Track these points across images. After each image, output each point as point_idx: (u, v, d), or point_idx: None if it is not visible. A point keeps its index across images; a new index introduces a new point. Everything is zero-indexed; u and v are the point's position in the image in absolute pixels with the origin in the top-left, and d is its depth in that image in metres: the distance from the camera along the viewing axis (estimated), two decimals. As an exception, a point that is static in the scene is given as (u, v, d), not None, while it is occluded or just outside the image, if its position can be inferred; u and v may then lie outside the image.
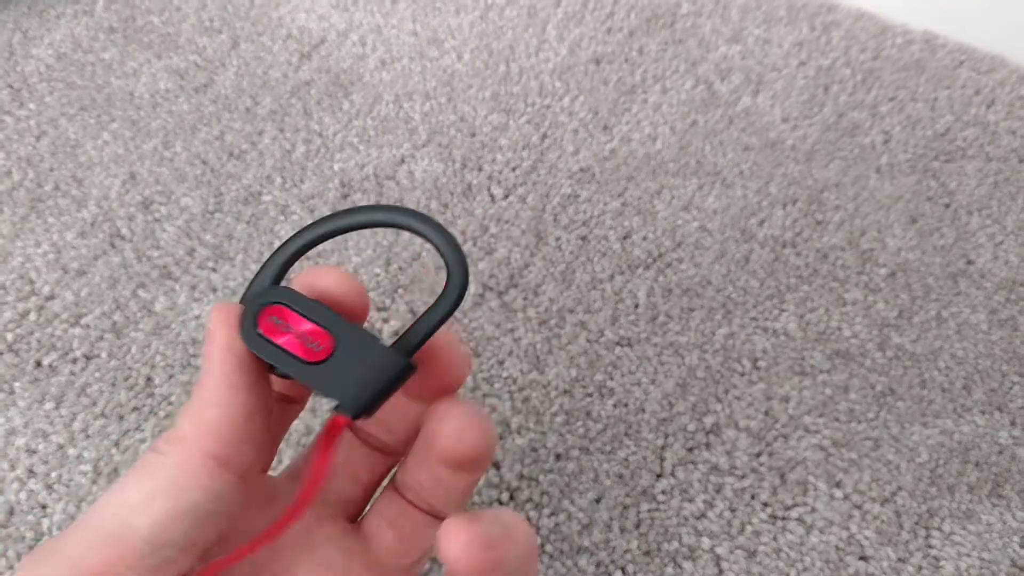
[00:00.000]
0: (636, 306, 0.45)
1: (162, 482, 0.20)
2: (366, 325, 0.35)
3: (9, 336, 0.41)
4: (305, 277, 0.22)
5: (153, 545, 0.19)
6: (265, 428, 0.21)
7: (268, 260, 0.22)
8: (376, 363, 0.21)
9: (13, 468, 0.37)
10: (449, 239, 0.21)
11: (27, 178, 0.48)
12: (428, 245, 0.46)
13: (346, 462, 0.26)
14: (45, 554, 0.19)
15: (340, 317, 0.21)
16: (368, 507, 0.27)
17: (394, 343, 0.21)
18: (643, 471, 0.39)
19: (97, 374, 0.40)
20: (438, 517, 0.25)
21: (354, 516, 0.26)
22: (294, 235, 0.22)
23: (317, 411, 0.39)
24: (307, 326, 0.21)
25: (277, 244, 0.45)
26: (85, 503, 0.36)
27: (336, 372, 0.20)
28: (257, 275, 0.22)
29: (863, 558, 0.37)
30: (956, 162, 0.54)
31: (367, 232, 0.46)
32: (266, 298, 0.21)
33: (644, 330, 0.44)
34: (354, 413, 0.20)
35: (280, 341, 0.20)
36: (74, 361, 0.40)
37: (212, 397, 0.20)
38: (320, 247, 0.45)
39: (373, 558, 0.25)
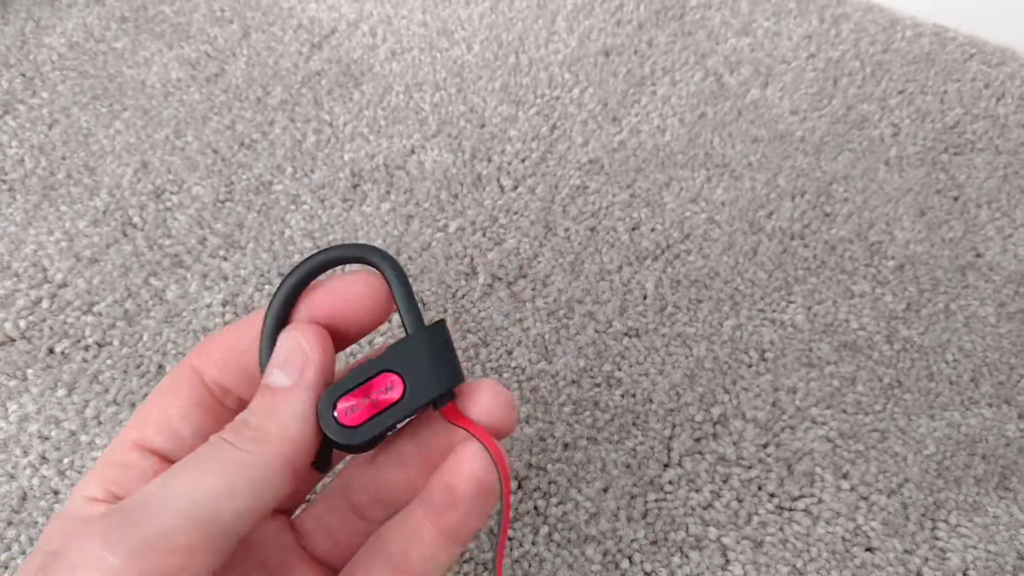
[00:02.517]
0: (644, 297, 0.45)
1: (246, 479, 0.21)
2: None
3: (22, 323, 0.41)
4: (325, 293, 0.25)
5: (231, 533, 0.20)
6: None
7: (264, 324, 0.25)
8: (430, 342, 0.24)
9: (26, 454, 0.37)
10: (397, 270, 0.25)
11: (39, 166, 0.48)
12: (437, 235, 0.46)
13: None
14: (124, 525, 0.20)
15: (382, 352, 0.24)
16: (307, 504, 0.29)
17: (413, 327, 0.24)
18: (650, 461, 0.39)
19: (109, 361, 0.40)
20: (377, 523, 0.27)
21: (289, 510, 0.29)
22: (279, 286, 0.25)
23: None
24: (373, 385, 0.23)
25: (287, 232, 0.46)
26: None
27: (417, 384, 0.23)
28: (264, 339, 0.25)
29: (869, 549, 0.37)
30: (965, 155, 0.53)
31: (377, 222, 0.46)
32: (331, 398, 0.23)
33: (652, 321, 0.44)
34: (455, 383, 0.24)
35: (368, 415, 0.23)
36: (86, 348, 0.41)
37: (302, 413, 0.23)
38: (331, 239, 0.46)
39: (307, 554, 0.27)
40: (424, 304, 0.43)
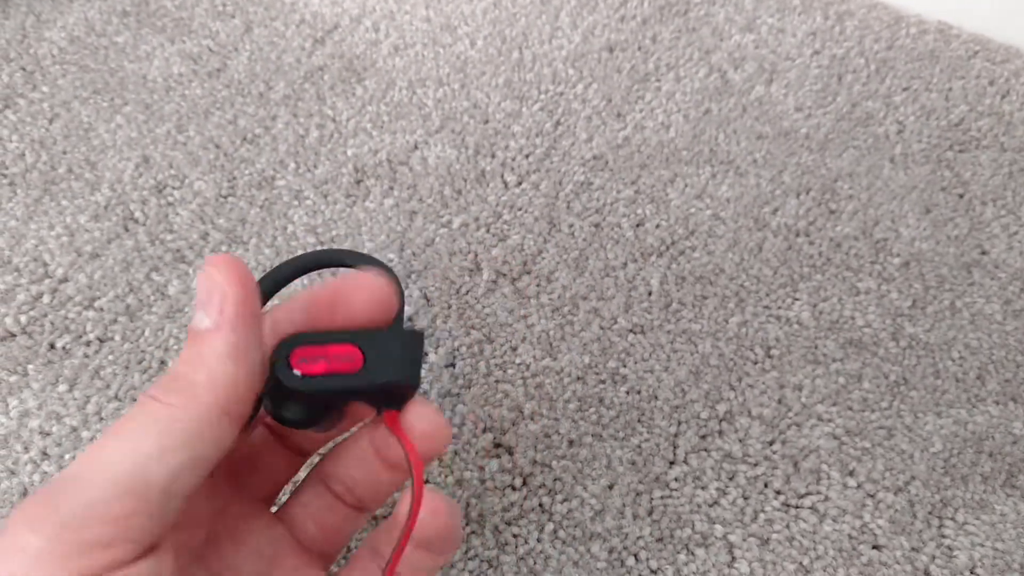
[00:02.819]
0: (649, 294, 0.44)
1: (179, 435, 0.20)
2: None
3: (23, 319, 0.41)
4: (341, 285, 0.24)
5: (168, 495, 0.19)
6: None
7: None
8: (402, 340, 0.23)
9: (27, 450, 0.37)
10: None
11: (40, 160, 0.48)
12: (441, 231, 0.46)
13: (266, 461, 0.27)
14: (59, 496, 0.19)
15: (354, 329, 0.24)
16: (288, 493, 0.28)
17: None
18: (656, 458, 0.39)
19: (111, 357, 0.40)
20: (364, 510, 0.27)
21: (272, 500, 0.28)
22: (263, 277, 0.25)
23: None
24: (334, 349, 0.23)
25: (290, 228, 0.45)
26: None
27: (376, 366, 0.23)
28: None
29: (876, 547, 0.37)
30: (970, 152, 0.53)
31: (380, 218, 0.46)
32: (290, 344, 0.22)
33: (657, 317, 0.44)
34: (412, 382, 0.23)
35: (320, 371, 0.22)
36: (88, 344, 0.41)
37: (228, 352, 0.21)
38: (334, 235, 0.45)
39: (298, 544, 0.26)
40: (428, 300, 0.43)
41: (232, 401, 0.21)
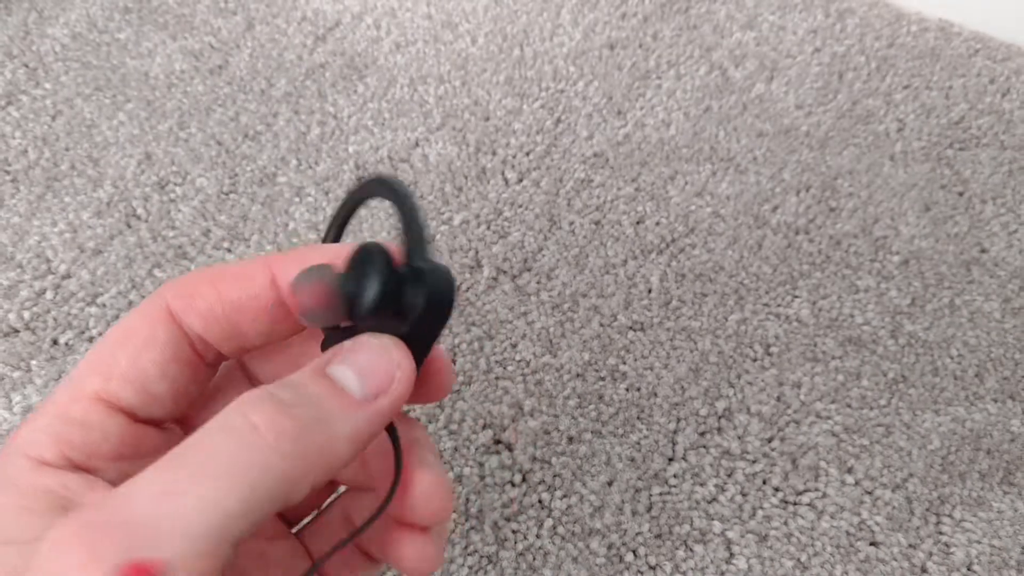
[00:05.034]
0: (649, 291, 0.45)
1: (269, 489, 0.17)
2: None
3: (26, 315, 0.41)
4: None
5: (236, 548, 0.18)
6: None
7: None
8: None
9: (31, 444, 0.37)
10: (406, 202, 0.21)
11: (43, 157, 0.48)
12: (442, 227, 0.46)
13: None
14: (129, 539, 0.16)
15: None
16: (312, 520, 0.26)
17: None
18: (655, 455, 0.39)
19: (113, 352, 0.40)
20: (374, 560, 0.25)
21: (295, 522, 0.26)
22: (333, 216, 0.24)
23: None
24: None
25: (292, 225, 0.46)
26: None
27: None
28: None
29: (874, 544, 0.37)
30: (970, 150, 0.53)
31: (381, 215, 0.46)
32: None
33: (657, 315, 0.44)
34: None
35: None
36: (90, 340, 0.41)
37: (357, 434, 0.19)
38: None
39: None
40: None
41: (331, 473, 0.19)
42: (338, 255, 0.22)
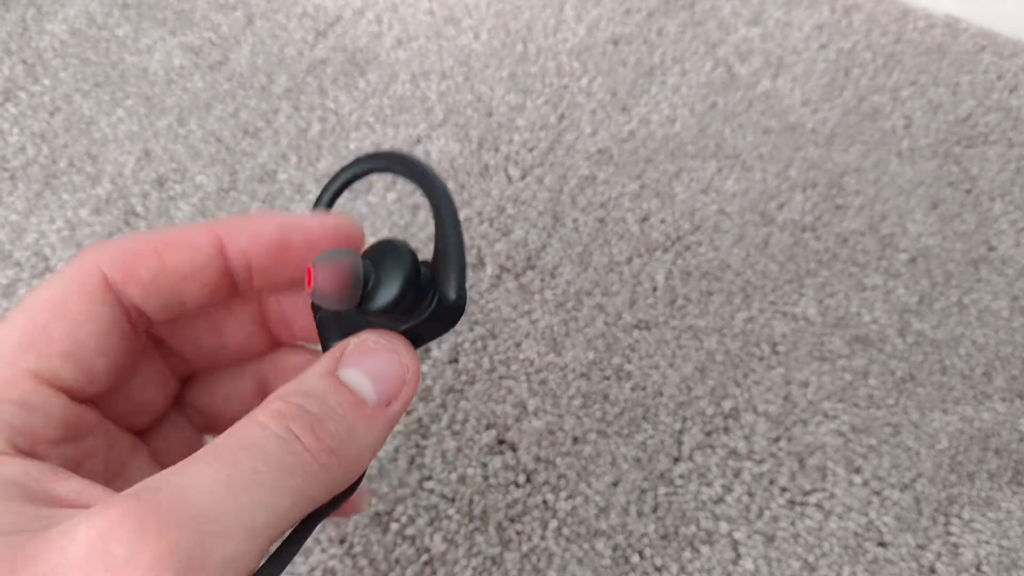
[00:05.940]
0: (654, 289, 0.44)
1: (309, 501, 0.18)
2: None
3: (24, 312, 0.41)
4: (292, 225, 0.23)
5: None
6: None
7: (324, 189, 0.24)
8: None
9: (29, 444, 0.37)
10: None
11: (41, 154, 0.47)
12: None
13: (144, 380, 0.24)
14: (195, 536, 0.16)
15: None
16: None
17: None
18: (661, 455, 0.39)
19: (113, 351, 0.40)
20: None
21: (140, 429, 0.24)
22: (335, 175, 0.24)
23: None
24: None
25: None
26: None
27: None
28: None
29: (882, 544, 0.37)
30: (978, 147, 0.53)
31: (383, 212, 0.46)
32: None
33: (662, 313, 0.43)
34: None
35: None
36: (89, 338, 0.40)
37: (376, 445, 0.20)
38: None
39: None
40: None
41: (353, 480, 0.19)
42: (301, 226, 0.22)
